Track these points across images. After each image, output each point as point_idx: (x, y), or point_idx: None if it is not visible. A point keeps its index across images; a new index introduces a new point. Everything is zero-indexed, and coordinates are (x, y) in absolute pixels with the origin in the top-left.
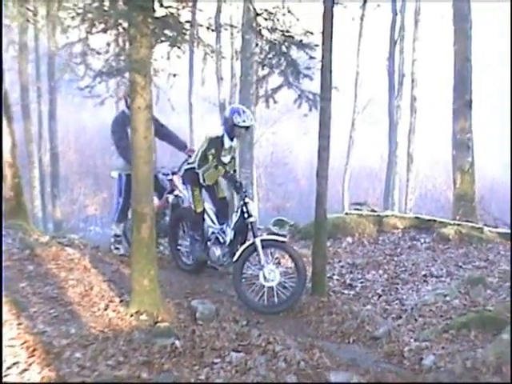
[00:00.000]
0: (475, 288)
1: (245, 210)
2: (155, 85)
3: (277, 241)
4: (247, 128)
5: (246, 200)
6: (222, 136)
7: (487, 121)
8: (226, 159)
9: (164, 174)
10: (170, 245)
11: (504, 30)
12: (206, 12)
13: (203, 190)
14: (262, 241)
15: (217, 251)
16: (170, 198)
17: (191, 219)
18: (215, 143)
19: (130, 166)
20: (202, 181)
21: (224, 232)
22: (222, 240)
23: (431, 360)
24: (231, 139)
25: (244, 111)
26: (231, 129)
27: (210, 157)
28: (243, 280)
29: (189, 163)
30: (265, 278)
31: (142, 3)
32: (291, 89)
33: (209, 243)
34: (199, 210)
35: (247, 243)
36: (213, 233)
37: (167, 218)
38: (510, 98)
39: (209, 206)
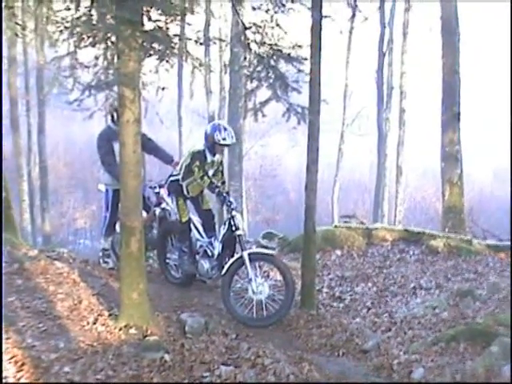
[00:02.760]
0: (464, 300)
1: (232, 223)
2: (144, 98)
3: (265, 254)
4: (228, 146)
5: (233, 213)
6: (204, 150)
7: (476, 132)
8: (209, 173)
9: (151, 188)
10: (159, 258)
11: (491, 41)
12: (195, 26)
13: (188, 202)
14: (249, 254)
15: (205, 264)
16: (157, 211)
17: (178, 230)
18: (198, 157)
19: (116, 181)
20: (185, 193)
21: (212, 245)
22: (210, 253)
23: (420, 373)
24: (213, 155)
25: (225, 129)
26: (212, 145)
27: (196, 169)
28: (232, 293)
29: (173, 175)
30: (253, 291)
31: (131, 17)
32: (280, 102)
33: (197, 256)
34: (184, 219)
35: (235, 257)
36: (201, 246)
37: (155, 231)
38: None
39: (196, 218)
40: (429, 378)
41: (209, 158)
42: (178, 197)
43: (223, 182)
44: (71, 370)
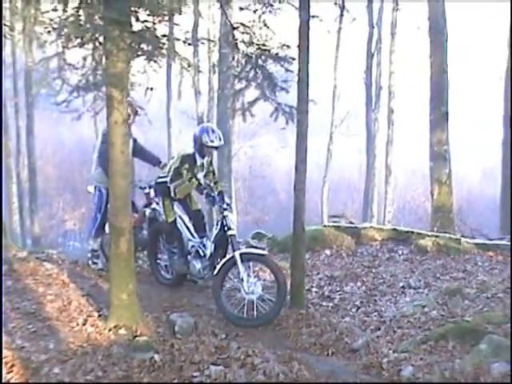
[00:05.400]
0: (453, 299)
1: (224, 223)
2: (132, 99)
3: (257, 254)
4: (216, 148)
5: (225, 213)
6: (194, 153)
7: (464, 132)
8: (199, 176)
9: (141, 188)
10: (150, 259)
11: (480, 41)
12: (183, 26)
13: (177, 204)
14: (241, 254)
15: (197, 264)
16: (147, 211)
17: (165, 231)
18: (187, 160)
19: None
20: (173, 194)
21: (204, 245)
22: (202, 253)
23: (410, 371)
24: (202, 157)
25: (213, 131)
26: (200, 148)
27: (185, 171)
28: (223, 293)
29: (161, 177)
30: (245, 291)
31: (118, 17)
32: (268, 102)
33: (189, 257)
34: (170, 219)
35: (227, 257)
36: (193, 246)
37: (145, 232)
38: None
39: (187, 219)
40: (418, 376)
41: (198, 161)
42: (164, 198)
43: (215, 182)
44: (61, 371)
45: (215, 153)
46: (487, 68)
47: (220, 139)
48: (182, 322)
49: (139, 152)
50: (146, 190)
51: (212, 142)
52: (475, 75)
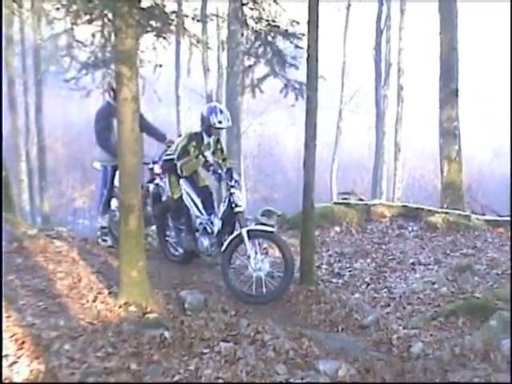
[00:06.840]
0: (463, 275)
1: (231, 200)
2: (141, 76)
3: (264, 231)
4: (223, 128)
5: (232, 190)
6: (201, 132)
7: (476, 110)
8: (206, 153)
9: (145, 163)
10: (159, 236)
11: (489, 18)
12: (192, 3)
13: (185, 181)
14: (248, 231)
15: (205, 241)
16: (151, 187)
17: (172, 208)
18: (194, 138)
19: (112, 157)
20: (179, 172)
21: (212, 222)
22: (209, 230)
23: (419, 347)
24: (209, 136)
25: (221, 111)
26: (208, 128)
27: (192, 149)
28: (231, 270)
29: (168, 154)
30: (252, 268)
31: None
32: (277, 78)
33: (197, 233)
34: (176, 196)
35: (234, 234)
36: (201, 223)
37: (149, 208)
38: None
39: (195, 196)
40: (428, 353)
41: (205, 139)
42: (170, 175)
43: (224, 159)
44: (71, 347)
45: (224, 130)
46: (501, 47)
47: (228, 120)
48: (191, 298)
49: (145, 128)
50: (150, 166)
51: (220, 122)
52: (490, 54)
